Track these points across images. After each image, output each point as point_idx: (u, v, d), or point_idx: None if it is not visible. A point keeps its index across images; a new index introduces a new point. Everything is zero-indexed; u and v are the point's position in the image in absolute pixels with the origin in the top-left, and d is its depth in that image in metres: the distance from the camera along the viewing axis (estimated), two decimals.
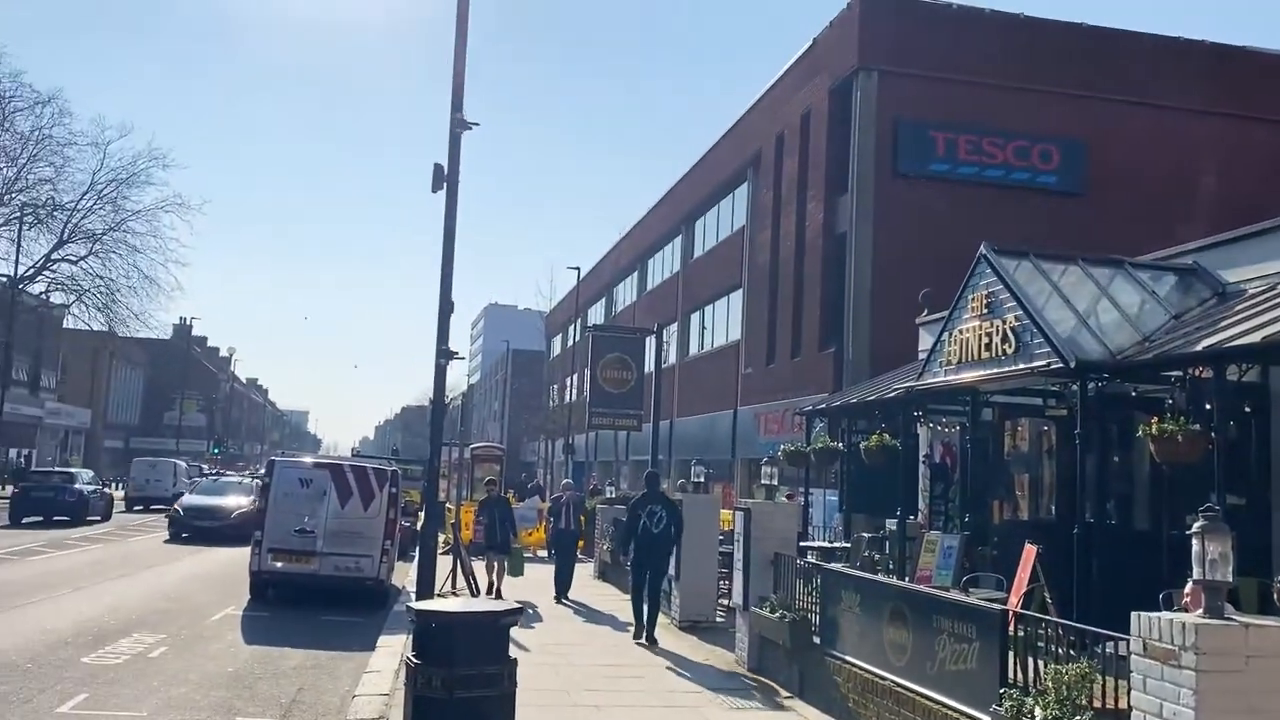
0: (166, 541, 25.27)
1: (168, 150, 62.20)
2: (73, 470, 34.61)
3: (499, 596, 15.51)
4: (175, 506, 27.12)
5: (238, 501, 26.94)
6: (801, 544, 13.99)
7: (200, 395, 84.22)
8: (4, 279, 41.61)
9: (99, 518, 31.69)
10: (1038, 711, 6.03)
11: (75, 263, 43.16)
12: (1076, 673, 5.92)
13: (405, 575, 18.13)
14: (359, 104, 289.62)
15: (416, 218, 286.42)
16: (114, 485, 36.23)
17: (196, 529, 25.71)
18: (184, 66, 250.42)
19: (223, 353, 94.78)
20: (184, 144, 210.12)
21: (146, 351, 75.95)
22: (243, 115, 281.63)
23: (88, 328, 46.49)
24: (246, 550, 15.67)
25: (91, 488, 31.98)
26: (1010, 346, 10.85)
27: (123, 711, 8.50)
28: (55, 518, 29.76)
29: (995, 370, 11.13)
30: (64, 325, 52.68)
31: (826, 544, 16.48)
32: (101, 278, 42.99)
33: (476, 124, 13.42)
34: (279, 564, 15.19)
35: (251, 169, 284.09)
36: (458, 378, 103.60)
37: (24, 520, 29.09)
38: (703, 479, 17.56)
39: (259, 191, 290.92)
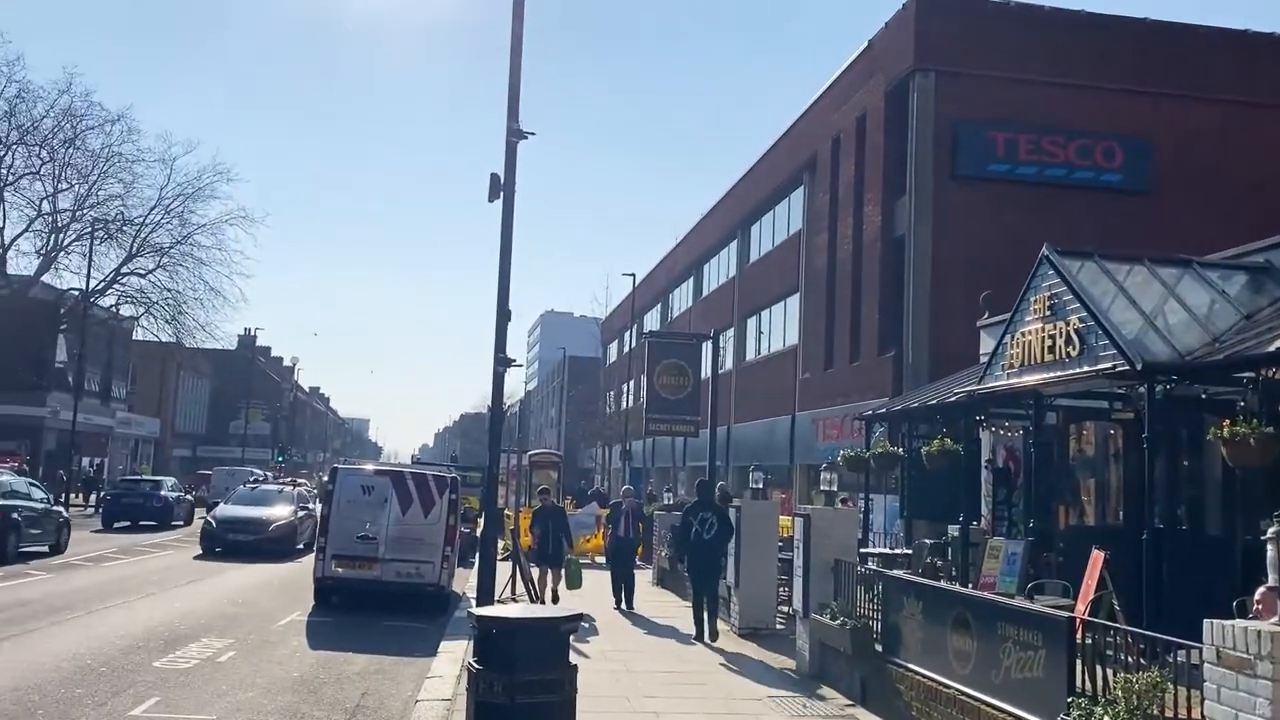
0: (197, 558, 22.49)
1: (231, 164, 63.74)
2: (159, 478, 36.78)
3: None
4: (208, 518, 24.69)
5: (278, 512, 24.53)
6: (862, 550, 13.87)
7: (264, 404, 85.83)
8: (76, 292, 42.73)
9: (182, 522, 33.27)
10: None
11: (144, 276, 44.25)
12: (1147, 682, 5.79)
13: (465, 581, 18.32)
14: (415, 113, 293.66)
15: (474, 226, 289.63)
16: (189, 493, 37.43)
17: (231, 543, 23.25)
18: (244, 81, 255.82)
19: (286, 362, 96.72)
20: (245, 156, 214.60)
21: (212, 362, 77.52)
22: (299, 127, 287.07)
23: (156, 339, 47.57)
24: (310, 560, 15.91)
25: (175, 494, 33.88)
26: (1074, 349, 10.67)
27: (193, 715, 8.68)
28: (142, 522, 31.38)
29: (1059, 373, 10.96)
30: (133, 337, 54.03)
31: (887, 550, 16.39)
32: (169, 290, 44.02)
33: (532, 133, 13.56)
34: (342, 570, 15.39)
35: (311, 180, 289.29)
36: (515, 384, 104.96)
37: (114, 525, 30.93)
38: (761, 485, 17.66)
39: (320, 203, 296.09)
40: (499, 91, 13.62)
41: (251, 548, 23.17)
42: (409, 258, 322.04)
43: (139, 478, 38.25)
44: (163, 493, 32.89)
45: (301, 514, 25.53)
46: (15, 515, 20.27)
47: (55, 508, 23.54)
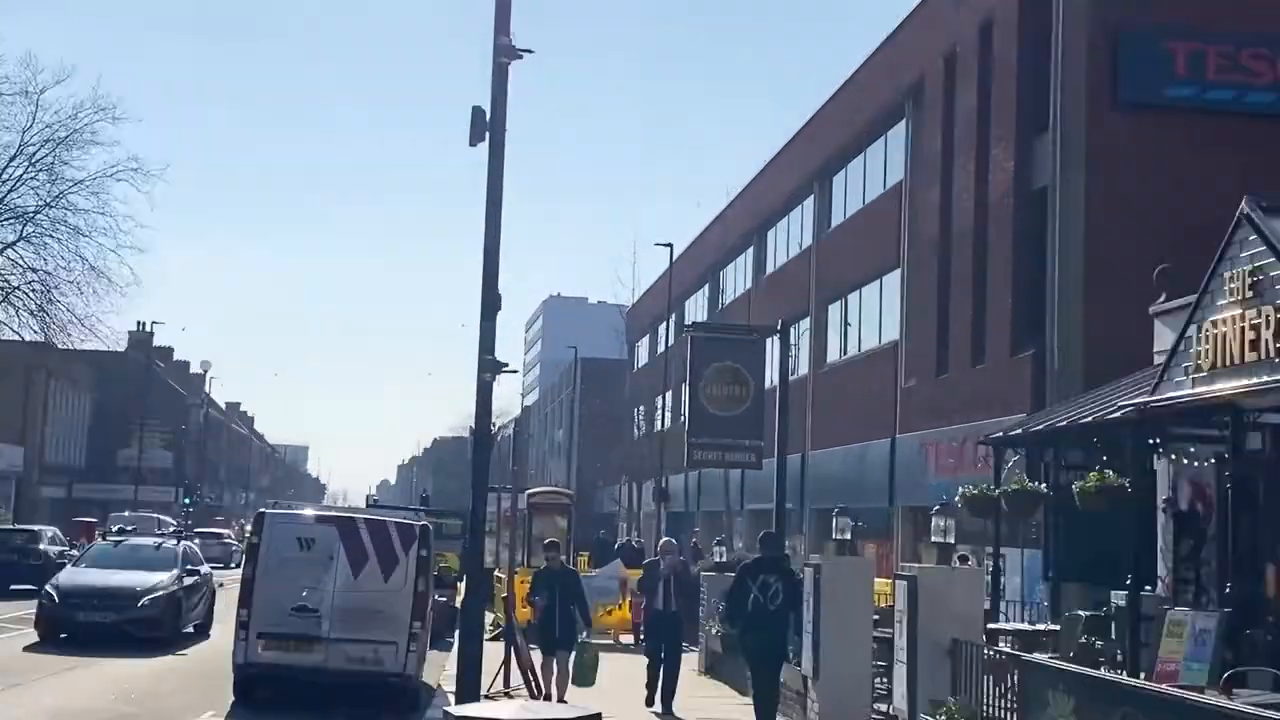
0: (30, 648, 20.98)
1: (119, 99, 63.57)
2: (34, 529, 37.21)
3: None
4: (47, 588, 22.74)
5: (152, 580, 22.61)
6: (990, 626, 14.11)
7: (165, 426, 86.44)
8: None
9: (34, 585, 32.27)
10: None
11: (0, 251, 44.43)
12: None
13: (441, 669, 18.36)
14: (373, 35, 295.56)
15: (450, 187, 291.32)
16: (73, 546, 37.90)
17: (81, 626, 21.50)
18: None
19: (194, 369, 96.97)
20: (137, 89, 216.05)
21: (94, 369, 77.83)
22: (215, 64, 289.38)
23: (17, 337, 47.62)
24: (215, 644, 16.04)
25: (58, 548, 34.10)
26: None
27: None
28: (14, 586, 31.18)
29: (1266, 378, 10.86)
30: None
31: (1026, 626, 16.42)
32: (34, 271, 43.83)
33: (528, 51, 13.62)
34: (272, 654, 15.48)
35: (229, 125, 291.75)
36: (508, 398, 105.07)
37: None
38: (848, 535, 17.51)
39: (243, 156, 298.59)
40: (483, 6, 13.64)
41: (112, 632, 21.35)
42: (363, 233, 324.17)
43: (11, 528, 38.65)
44: (41, 547, 33.14)
45: (189, 581, 23.83)
46: None
47: None
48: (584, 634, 16.41)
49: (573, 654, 15.95)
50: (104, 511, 64.63)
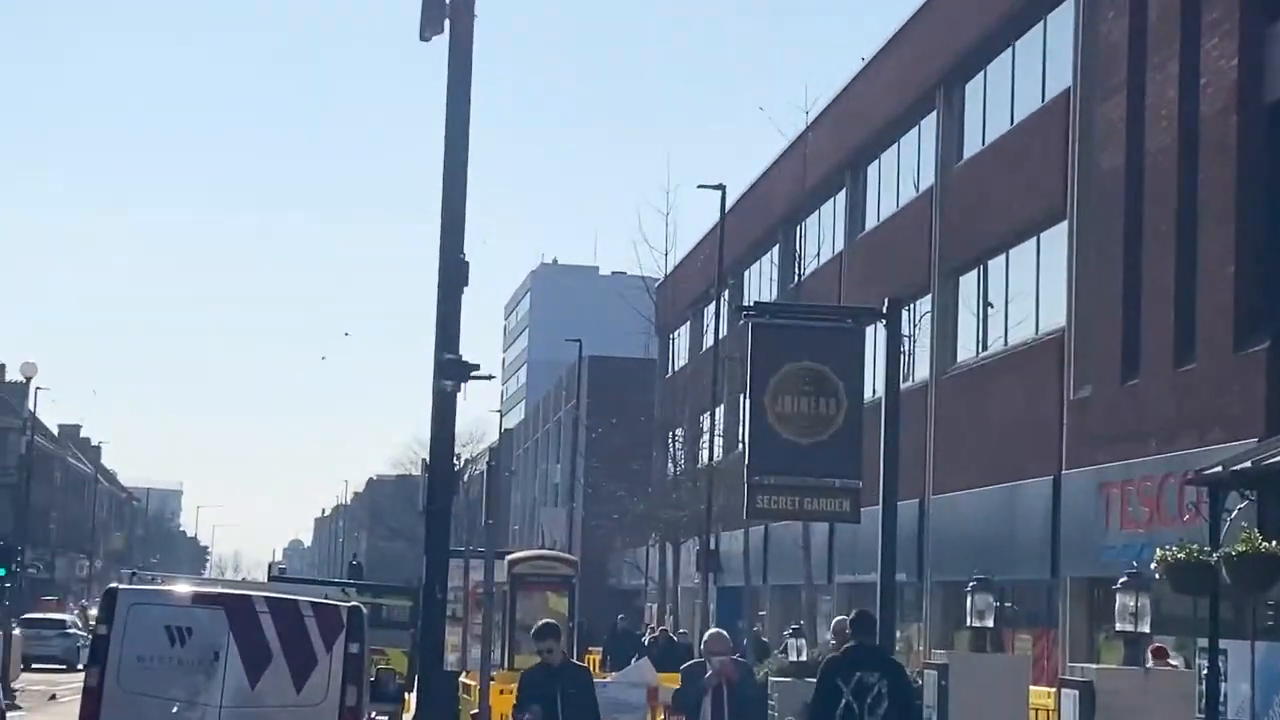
0: None
1: None
2: None
3: None
4: None
5: None
6: None
7: None
8: None
9: None
10: None
11: None
12: None
13: None
14: None
15: (404, 126, 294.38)
16: None
17: None
18: None
19: (12, 376, 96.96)
20: None
21: None
22: None
23: None
24: None
25: None
26: None
27: None
28: None
29: None
30: None
31: None
32: None
33: None
34: None
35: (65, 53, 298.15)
36: (480, 418, 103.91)
37: None
38: (991, 621, 18.25)
39: (94, 89, 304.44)
40: None
41: None
42: (272, 182, 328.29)
43: None
44: None
45: None
46: None
47: None
48: None
49: None
50: None
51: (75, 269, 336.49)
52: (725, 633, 20.85)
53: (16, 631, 46.37)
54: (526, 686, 15.37)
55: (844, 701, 14.30)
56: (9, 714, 35.52)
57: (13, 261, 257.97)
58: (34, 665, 49.87)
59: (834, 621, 22.13)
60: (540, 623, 16.50)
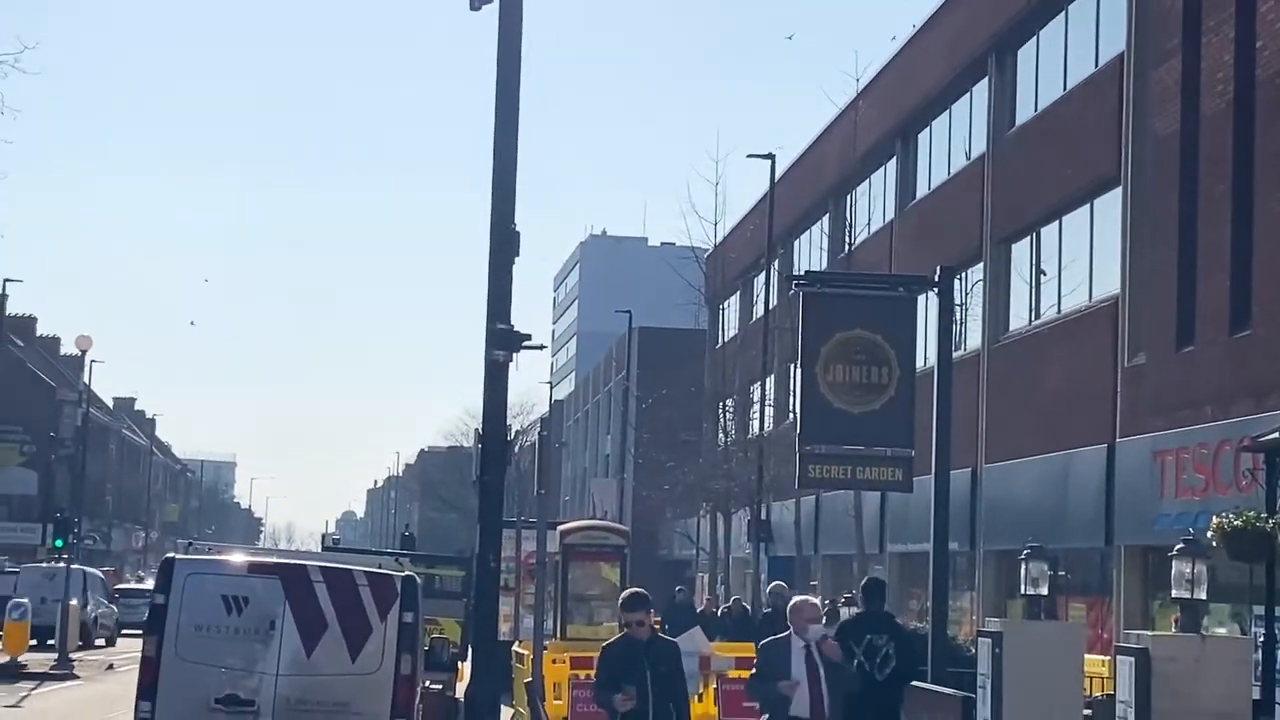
0: None
1: None
2: None
3: None
4: None
5: None
6: None
7: (25, 433, 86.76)
8: None
9: None
10: None
11: None
12: None
13: None
14: None
15: (449, 115, 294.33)
16: None
17: None
18: None
19: (67, 349, 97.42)
20: None
21: None
22: None
23: None
24: None
25: None
26: None
27: None
28: None
29: None
30: None
31: None
32: None
33: None
34: None
35: (125, 41, 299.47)
36: (531, 389, 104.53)
37: None
38: (1045, 589, 17.84)
39: (141, 62, 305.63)
40: None
41: None
42: (319, 157, 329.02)
43: None
44: None
45: None
46: None
47: None
48: None
49: None
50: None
51: (129, 242, 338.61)
52: (785, 588, 21.00)
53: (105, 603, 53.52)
54: (611, 663, 14.10)
55: (856, 661, 14.86)
56: (67, 683, 36.84)
57: (68, 234, 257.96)
58: (124, 631, 52.84)
59: (770, 586, 22.07)
60: (629, 592, 15.23)
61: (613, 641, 14.37)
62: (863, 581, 17.01)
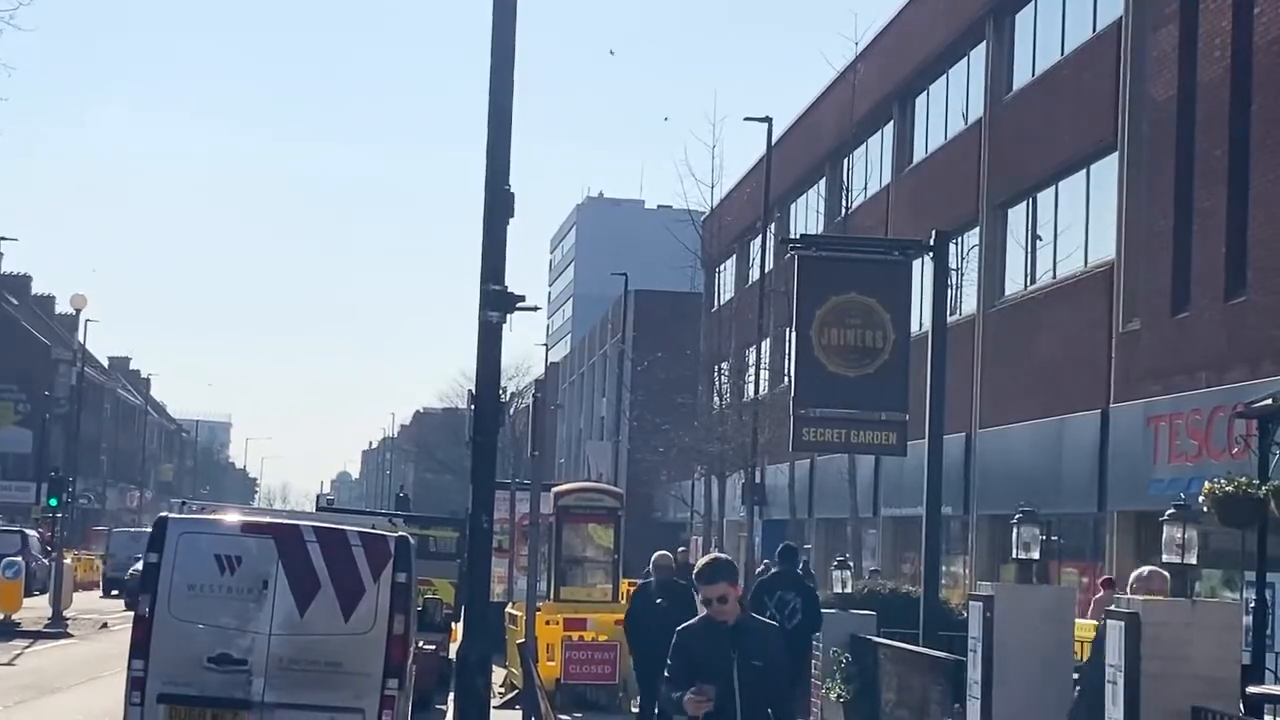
0: None
1: None
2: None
3: None
4: None
5: None
6: (1251, 690, 13.99)
7: (19, 391, 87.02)
8: None
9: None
10: None
11: None
12: None
13: None
14: None
15: (452, 76, 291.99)
16: None
17: None
18: None
19: (62, 308, 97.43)
20: None
21: None
22: None
23: None
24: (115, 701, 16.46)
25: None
26: None
27: None
28: None
29: None
30: None
31: None
32: None
33: None
34: None
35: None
36: (526, 351, 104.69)
37: None
38: (1037, 554, 17.72)
39: (135, 35, 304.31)
40: None
41: None
42: (320, 113, 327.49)
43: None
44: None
45: None
46: None
47: None
48: None
49: None
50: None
51: (121, 199, 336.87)
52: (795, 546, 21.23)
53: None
54: (685, 653, 10.76)
55: (769, 614, 15.69)
56: (61, 641, 37.16)
57: (60, 192, 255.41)
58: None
59: (655, 556, 22.08)
60: (706, 559, 11.67)
61: (690, 625, 11.00)
62: (780, 546, 18.06)
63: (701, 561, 11.46)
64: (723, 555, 12.73)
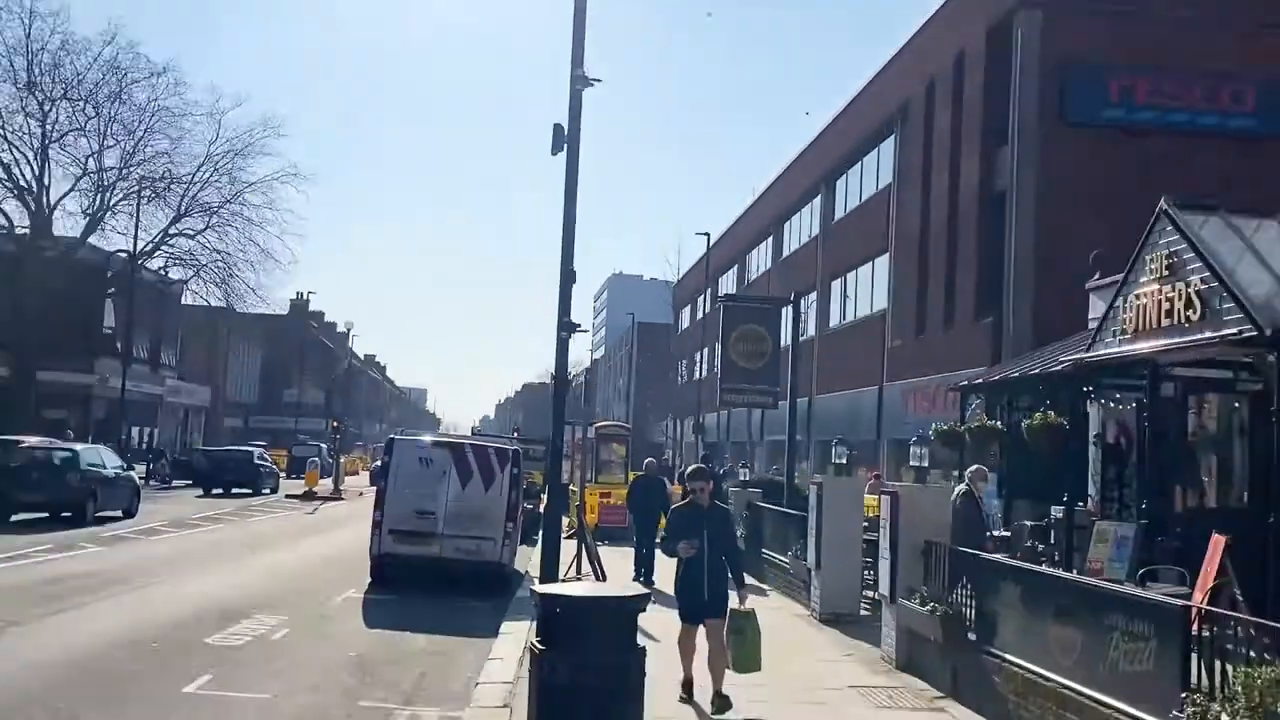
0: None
1: (282, 119, 64.17)
2: (251, 449, 43.24)
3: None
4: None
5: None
6: None
7: (318, 373, 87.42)
8: (124, 254, 43.62)
9: (268, 490, 39.62)
10: (1225, 719, 5.82)
11: (192, 237, 44.91)
12: (1272, 677, 5.67)
13: (528, 560, 18.54)
14: (475, 65, 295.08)
15: (538, 182, 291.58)
16: None
17: None
18: (293, 35, 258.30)
19: (340, 328, 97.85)
20: (296, 117, 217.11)
21: (263, 328, 78.76)
22: (353, 87, 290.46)
23: (205, 303, 48.44)
24: (367, 532, 16.24)
25: (264, 463, 40.96)
26: (1195, 313, 10.41)
27: (247, 693, 8.97)
28: (236, 489, 37.68)
29: (1177, 340, 10.70)
30: (182, 301, 54.98)
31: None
32: (219, 251, 44.63)
33: (598, 80, 13.54)
34: (399, 546, 15.61)
35: (363, 142, 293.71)
36: (580, 353, 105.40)
37: (212, 491, 37.31)
38: (845, 461, 17.54)
39: (373, 165, 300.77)
40: (564, 39, 13.60)
41: None
42: (469, 218, 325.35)
43: (230, 449, 43.90)
44: (255, 461, 39.79)
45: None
46: (94, 484, 23.82)
47: (127, 473, 26.37)
48: (743, 599, 9.48)
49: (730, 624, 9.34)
50: (272, 437, 66.12)
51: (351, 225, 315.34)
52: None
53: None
54: (677, 524, 9.71)
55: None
56: (338, 503, 36.47)
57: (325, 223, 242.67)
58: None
59: (645, 462, 21.55)
60: (693, 466, 11.18)
61: (679, 506, 9.97)
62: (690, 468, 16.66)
63: (690, 468, 10.86)
64: (701, 465, 11.54)
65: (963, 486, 13.28)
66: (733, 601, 9.31)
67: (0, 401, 41.35)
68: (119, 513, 24.75)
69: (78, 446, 25.43)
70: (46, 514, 22.92)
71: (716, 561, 9.35)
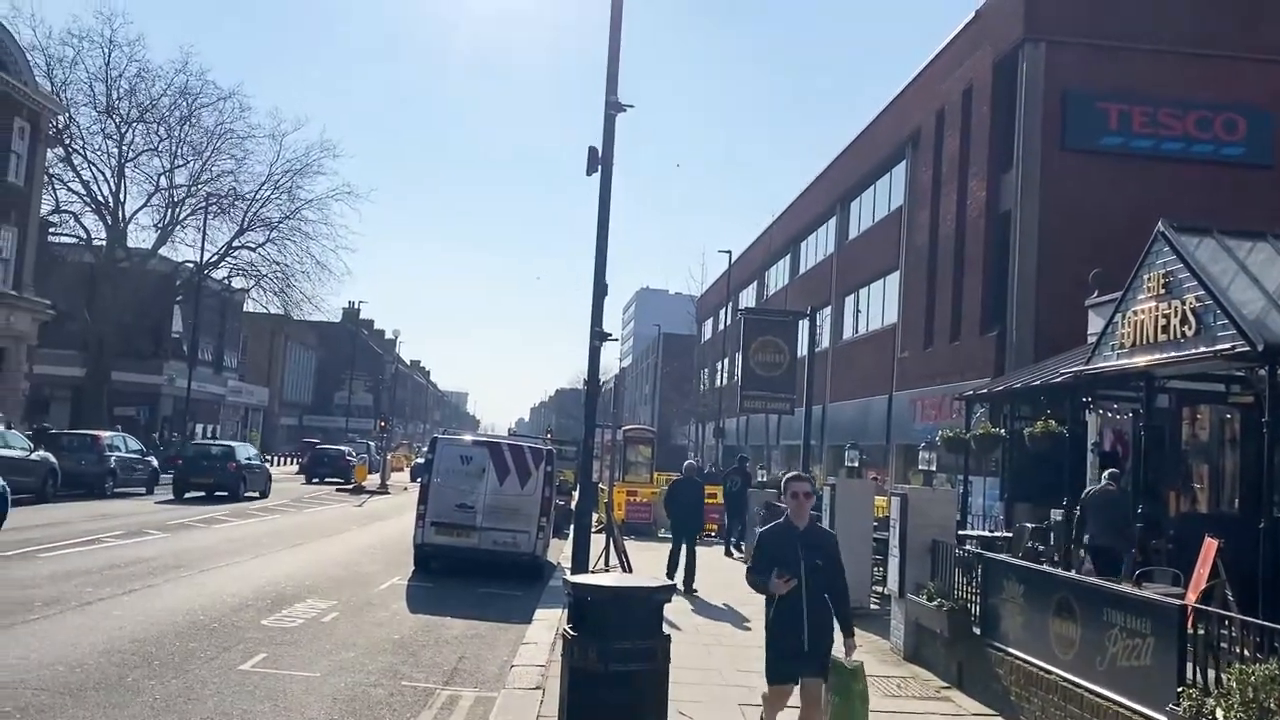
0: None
1: (337, 141, 65.11)
2: (342, 448, 46.37)
3: None
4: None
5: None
6: (961, 533, 13.71)
7: (367, 376, 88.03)
8: (191, 265, 44.45)
9: (342, 479, 41.41)
10: (1219, 714, 5.71)
11: (254, 249, 45.66)
12: (1265, 674, 5.56)
13: (560, 552, 18.52)
14: (515, 89, 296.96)
15: (573, 201, 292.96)
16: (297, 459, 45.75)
17: None
18: (347, 60, 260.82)
19: (388, 335, 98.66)
20: (350, 136, 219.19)
21: (318, 334, 79.69)
22: (403, 106, 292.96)
23: (265, 311, 49.18)
24: (409, 523, 16.21)
25: (353, 458, 43.20)
26: (1190, 329, 10.28)
27: (298, 671, 8.99)
28: (329, 479, 41.69)
29: (1173, 354, 10.56)
30: (244, 309, 55.94)
31: (987, 533, 16.11)
32: (278, 263, 45.37)
33: (630, 106, 13.53)
34: (440, 538, 15.65)
35: (410, 158, 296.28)
36: (610, 360, 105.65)
37: (312, 479, 41.84)
38: (856, 464, 17.42)
39: (420, 180, 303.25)
40: (599, 65, 13.60)
41: None
42: (508, 233, 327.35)
43: (328, 446, 46.59)
44: (348, 456, 42.52)
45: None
46: (244, 472, 29.51)
47: (262, 465, 31.89)
48: (849, 650, 6.59)
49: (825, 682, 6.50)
50: (325, 435, 66.48)
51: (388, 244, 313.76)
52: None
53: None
54: (768, 549, 6.58)
55: (729, 485, 14.98)
56: (384, 496, 36.43)
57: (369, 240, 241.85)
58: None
59: (684, 464, 21.14)
60: (794, 473, 7.44)
61: (770, 527, 6.82)
62: (737, 457, 15.68)
63: (788, 473, 8.20)
64: (796, 473, 7.19)
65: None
66: (837, 649, 6.52)
67: (76, 400, 42.28)
68: (257, 494, 30.22)
69: (234, 443, 31.10)
70: (205, 493, 28.61)
71: (818, 600, 6.43)
